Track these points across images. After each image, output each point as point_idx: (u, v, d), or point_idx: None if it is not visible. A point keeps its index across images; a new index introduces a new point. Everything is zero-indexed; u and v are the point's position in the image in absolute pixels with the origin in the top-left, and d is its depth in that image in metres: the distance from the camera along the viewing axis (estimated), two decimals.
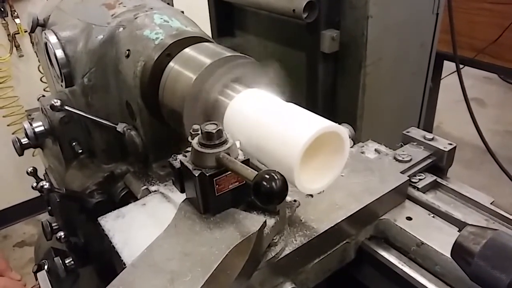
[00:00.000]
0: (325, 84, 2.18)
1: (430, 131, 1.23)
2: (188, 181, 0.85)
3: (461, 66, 2.98)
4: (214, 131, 0.81)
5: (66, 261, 1.47)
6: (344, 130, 0.88)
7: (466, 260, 0.80)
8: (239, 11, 2.57)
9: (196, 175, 0.80)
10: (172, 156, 0.89)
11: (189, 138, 0.86)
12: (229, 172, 0.81)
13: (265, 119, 0.92)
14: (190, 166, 0.82)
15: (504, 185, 3.27)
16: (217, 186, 0.82)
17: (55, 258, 1.47)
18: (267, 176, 0.68)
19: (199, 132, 0.84)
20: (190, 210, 0.86)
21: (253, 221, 0.82)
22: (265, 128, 0.91)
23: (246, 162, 0.83)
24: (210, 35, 1.92)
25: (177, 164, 0.86)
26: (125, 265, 0.92)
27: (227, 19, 2.65)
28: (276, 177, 0.68)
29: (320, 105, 2.21)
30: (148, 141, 1.34)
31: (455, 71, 2.98)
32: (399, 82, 2.29)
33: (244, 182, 0.84)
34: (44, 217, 1.69)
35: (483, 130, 3.14)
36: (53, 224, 1.56)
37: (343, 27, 2.02)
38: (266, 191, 0.68)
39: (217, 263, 0.73)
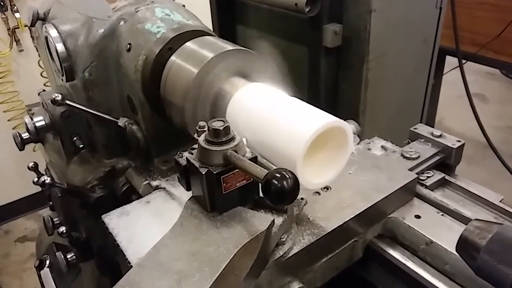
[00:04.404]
0: (327, 79, 2.16)
1: (432, 126, 1.22)
2: (195, 179, 0.84)
3: (463, 61, 2.96)
4: (221, 128, 0.80)
5: (68, 256, 1.47)
6: (348, 125, 0.87)
7: (471, 254, 0.79)
8: (241, 5, 2.54)
9: (203, 173, 0.78)
10: (178, 153, 0.87)
11: (195, 135, 0.84)
12: (236, 170, 0.79)
13: (268, 113, 0.91)
14: (196, 164, 0.80)
15: (506, 181, 3.27)
16: (224, 184, 0.80)
17: (57, 253, 1.46)
18: (278, 175, 0.67)
19: (206, 129, 0.82)
20: (196, 209, 0.85)
21: (261, 220, 0.81)
22: (268, 122, 0.90)
23: (254, 159, 0.82)
24: (211, 29, 1.90)
25: (183, 162, 0.85)
26: (130, 263, 0.91)
27: (228, 13, 2.62)
28: (287, 176, 0.66)
29: (322, 100, 2.19)
30: (150, 136, 1.33)
31: (457, 67, 2.97)
32: (401, 77, 2.28)
33: (252, 180, 0.83)
34: (45, 212, 1.68)
35: (485, 125, 3.13)
36: (54, 219, 1.55)
37: (346, 21, 2.00)
38: (277, 190, 0.67)
39: (225, 263, 0.72)
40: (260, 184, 0.70)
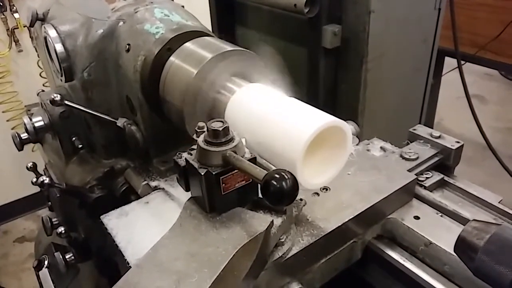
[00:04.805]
0: (326, 80, 2.16)
1: (430, 127, 1.22)
2: (194, 180, 0.84)
3: (462, 62, 2.96)
4: (220, 128, 0.80)
5: (67, 256, 1.46)
6: (346, 125, 0.87)
7: (469, 255, 0.79)
8: (240, 5, 2.54)
9: (202, 173, 0.78)
10: (177, 154, 0.87)
11: (195, 136, 0.84)
12: (235, 171, 0.79)
13: (267, 114, 0.91)
14: (195, 165, 0.80)
15: (505, 182, 3.26)
16: (223, 185, 0.80)
17: (55, 254, 1.46)
18: (277, 176, 0.67)
19: (205, 129, 0.82)
20: (195, 209, 0.85)
21: (260, 221, 0.81)
22: (267, 122, 0.90)
23: (253, 160, 0.82)
24: (211, 30, 1.90)
25: (182, 162, 0.85)
26: (128, 264, 0.91)
27: (227, 13, 2.62)
28: (286, 177, 0.66)
29: (321, 101, 2.20)
30: (149, 136, 1.33)
31: (456, 68, 2.97)
32: (400, 78, 2.28)
33: (251, 180, 0.83)
34: (44, 212, 1.67)
35: (484, 127, 3.13)
36: (53, 220, 1.54)
37: (344, 22, 2.01)
38: (276, 191, 0.67)
39: (224, 264, 0.72)
40: (259, 185, 0.70)
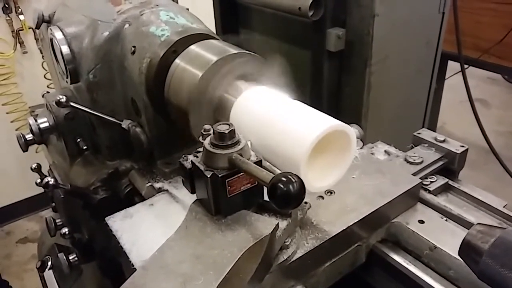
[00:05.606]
0: (330, 83, 2.17)
1: (434, 131, 1.23)
2: (199, 182, 0.84)
3: (465, 66, 2.96)
4: (226, 131, 0.80)
5: (70, 257, 1.47)
6: (351, 129, 0.87)
7: (474, 259, 0.79)
8: (244, 8, 2.55)
9: (208, 176, 0.79)
10: (183, 156, 0.87)
11: (201, 139, 0.84)
12: (241, 173, 0.80)
13: (272, 117, 0.92)
14: (201, 167, 0.80)
15: (508, 186, 3.25)
16: (229, 187, 0.80)
17: (59, 254, 1.46)
18: (284, 179, 0.67)
19: (211, 132, 0.83)
20: (201, 212, 0.85)
21: (265, 224, 0.81)
22: (272, 125, 0.90)
23: (259, 163, 0.82)
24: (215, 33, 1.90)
25: (188, 165, 0.85)
26: (133, 266, 0.91)
27: (231, 16, 2.63)
28: (293, 180, 0.66)
29: (324, 104, 2.20)
30: (153, 138, 1.33)
31: (459, 72, 2.97)
32: (404, 81, 2.28)
33: (256, 183, 0.83)
34: (47, 213, 1.68)
35: (487, 131, 3.12)
36: (57, 220, 1.55)
37: (349, 26, 2.01)
38: (283, 194, 0.67)
39: (229, 267, 0.72)
40: (264, 188, 0.70)
